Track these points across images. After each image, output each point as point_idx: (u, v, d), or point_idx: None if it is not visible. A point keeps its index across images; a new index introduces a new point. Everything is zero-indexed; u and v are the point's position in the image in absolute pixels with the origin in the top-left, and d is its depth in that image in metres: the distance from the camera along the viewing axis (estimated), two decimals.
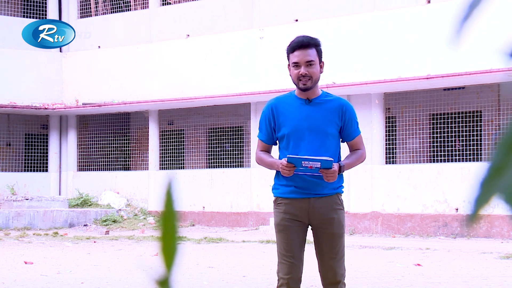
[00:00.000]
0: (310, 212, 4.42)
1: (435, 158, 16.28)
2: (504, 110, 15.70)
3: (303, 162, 4.26)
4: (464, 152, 15.69)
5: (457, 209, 14.85)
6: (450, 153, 15.97)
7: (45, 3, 20.80)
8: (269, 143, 4.58)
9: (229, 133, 19.29)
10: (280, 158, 4.51)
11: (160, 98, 18.57)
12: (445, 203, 15.00)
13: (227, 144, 19.30)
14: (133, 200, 19.45)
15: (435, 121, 16.52)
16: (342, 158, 4.54)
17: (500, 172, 0.74)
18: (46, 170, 20.80)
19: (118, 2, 20.32)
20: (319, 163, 4.24)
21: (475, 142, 15.65)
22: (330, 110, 4.45)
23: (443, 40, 14.63)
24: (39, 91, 20.11)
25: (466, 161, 15.50)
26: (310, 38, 4.49)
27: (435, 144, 16.32)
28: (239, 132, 19.16)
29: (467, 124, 15.85)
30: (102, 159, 20.67)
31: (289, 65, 4.50)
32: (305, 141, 4.41)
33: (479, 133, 15.76)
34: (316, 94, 4.49)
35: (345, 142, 4.56)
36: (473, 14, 0.78)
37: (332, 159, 4.28)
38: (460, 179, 14.86)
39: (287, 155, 4.31)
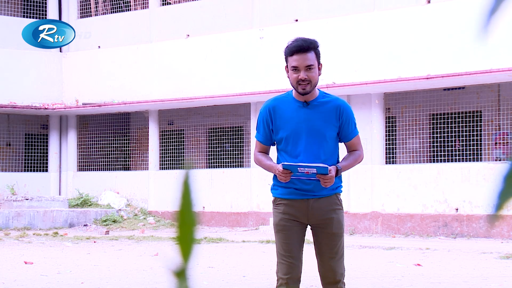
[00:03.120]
0: (309, 213, 4.42)
1: (435, 158, 16.28)
2: (504, 110, 15.70)
3: (299, 168, 4.26)
4: (464, 152, 15.69)
5: (457, 209, 14.85)
6: (450, 153, 15.97)
7: (45, 3, 20.80)
8: (267, 144, 4.57)
9: (229, 133, 19.29)
10: (278, 160, 4.52)
11: (160, 98, 18.57)
12: (445, 203, 15.00)
13: (227, 144, 19.30)
14: (133, 200, 19.45)
15: (435, 121, 16.52)
16: (340, 159, 4.54)
17: None
18: (46, 170, 20.80)
19: (118, 2, 20.32)
20: (315, 169, 4.24)
21: (475, 142, 15.65)
22: (328, 111, 4.44)
23: (443, 40, 14.63)
24: (39, 91, 20.11)
25: (466, 161, 15.49)
26: (309, 41, 4.42)
27: (435, 144, 16.32)
28: (239, 132, 19.16)
29: (467, 124, 15.85)
30: (102, 159, 20.67)
31: (286, 67, 4.48)
32: (303, 144, 4.40)
33: (479, 133, 15.76)
34: (314, 96, 4.47)
35: (343, 143, 4.56)
36: (500, 7, 0.77)
37: (327, 166, 4.27)
38: (460, 179, 14.86)
39: (282, 163, 4.30)
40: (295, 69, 4.38)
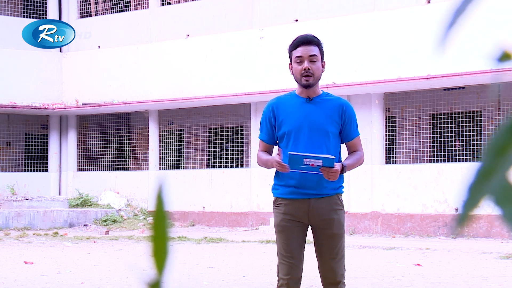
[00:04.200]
0: (310, 213, 4.42)
1: (435, 158, 16.28)
2: (504, 110, 15.70)
3: (304, 160, 4.23)
4: (464, 152, 15.69)
5: (457, 209, 14.85)
6: (450, 153, 15.97)
7: (45, 3, 20.80)
8: (270, 143, 4.57)
9: (229, 133, 19.29)
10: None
11: (160, 98, 18.57)
12: (445, 203, 15.00)
13: (227, 144, 19.29)
14: (133, 200, 19.45)
15: (435, 121, 16.52)
16: (342, 159, 4.53)
17: (489, 175, 0.75)
18: (46, 170, 20.80)
19: (118, 2, 20.32)
20: (321, 161, 4.21)
21: (475, 142, 15.65)
22: (330, 108, 4.46)
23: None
24: (39, 91, 20.11)
25: (466, 161, 15.49)
26: (313, 36, 4.52)
27: (435, 144, 16.32)
28: (239, 132, 19.16)
29: (467, 124, 15.85)
30: (102, 159, 20.67)
31: (290, 64, 4.50)
32: (305, 139, 4.41)
33: (479, 133, 15.76)
34: (317, 93, 4.50)
35: (344, 143, 4.56)
36: (459, 20, 0.78)
37: (334, 157, 4.26)
38: (460, 179, 14.86)
39: (289, 152, 4.29)
40: (299, 60, 4.41)
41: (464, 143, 15.78)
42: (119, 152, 20.88)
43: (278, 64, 15.76)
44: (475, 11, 0.79)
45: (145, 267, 9.82)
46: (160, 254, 0.80)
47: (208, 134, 19.84)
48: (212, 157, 19.59)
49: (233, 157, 18.97)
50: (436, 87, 15.61)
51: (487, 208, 0.78)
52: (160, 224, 0.80)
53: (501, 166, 0.74)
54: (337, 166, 4.28)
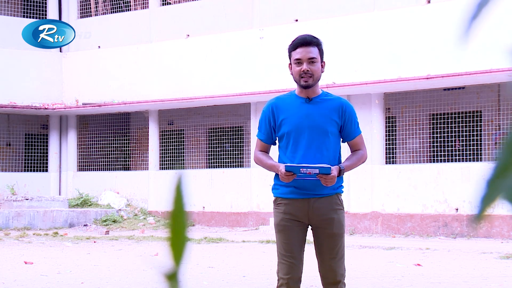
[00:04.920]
0: (309, 213, 4.42)
1: (435, 158, 16.28)
2: (504, 110, 15.70)
3: (301, 169, 4.26)
4: (464, 152, 15.69)
5: (457, 209, 14.85)
6: (450, 153, 15.97)
7: (45, 3, 20.80)
8: (268, 143, 4.57)
9: (229, 133, 19.29)
10: (279, 158, 4.52)
11: (160, 98, 18.57)
12: (445, 203, 15.00)
13: (227, 144, 19.30)
14: (133, 200, 19.45)
15: (435, 121, 16.52)
16: (343, 159, 4.53)
17: (506, 171, 0.74)
18: (46, 170, 20.80)
19: (118, 2, 20.32)
20: (317, 169, 4.25)
21: (475, 142, 15.65)
22: (330, 108, 4.46)
23: (443, 40, 14.63)
24: (39, 91, 20.11)
25: (466, 161, 15.49)
26: (312, 36, 4.51)
27: (435, 144, 16.32)
28: (239, 132, 19.16)
29: (467, 124, 15.85)
30: (102, 159, 20.67)
31: (290, 64, 4.50)
32: (305, 139, 4.41)
33: (479, 133, 15.76)
34: (317, 93, 4.50)
35: (346, 142, 4.56)
36: (482, 13, 0.78)
37: (330, 166, 4.27)
38: (460, 179, 14.86)
39: (285, 164, 4.30)
40: (298, 62, 4.41)
41: (464, 143, 15.78)
42: (119, 152, 20.88)
43: (278, 64, 15.76)
44: (497, 4, 0.78)
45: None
46: (177, 246, 0.80)
47: (208, 134, 19.84)
48: (212, 157, 19.59)
49: (233, 157, 18.97)
50: (436, 87, 15.61)
51: (492, 208, 0.77)
52: (178, 216, 0.80)
53: None
54: (334, 171, 4.30)
